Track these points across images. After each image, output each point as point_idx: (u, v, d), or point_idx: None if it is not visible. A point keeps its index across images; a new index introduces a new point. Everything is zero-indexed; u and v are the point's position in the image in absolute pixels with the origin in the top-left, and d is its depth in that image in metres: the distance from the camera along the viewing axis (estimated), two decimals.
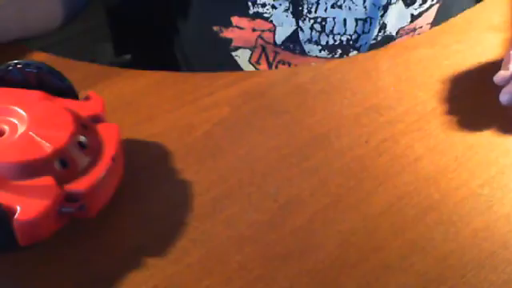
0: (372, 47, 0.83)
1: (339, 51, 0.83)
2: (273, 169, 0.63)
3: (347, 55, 0.84)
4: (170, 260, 0.55)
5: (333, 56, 0.84)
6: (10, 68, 0.60)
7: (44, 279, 0.54)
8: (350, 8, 0.80)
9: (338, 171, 0.63)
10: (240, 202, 0.60)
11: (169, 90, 0.71)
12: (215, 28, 0.84)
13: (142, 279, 0.54)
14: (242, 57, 0.86)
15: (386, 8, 0.81)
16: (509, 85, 0.65)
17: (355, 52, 0.83)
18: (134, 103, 0.69)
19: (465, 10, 0.82)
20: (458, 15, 0.81)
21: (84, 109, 0.59)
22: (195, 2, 0.86)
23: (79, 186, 0.54)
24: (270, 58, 0.85)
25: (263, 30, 0.82)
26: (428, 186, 0.61)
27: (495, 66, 0.69)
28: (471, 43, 0.77)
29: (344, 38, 0.82)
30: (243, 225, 0.58)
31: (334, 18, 0.81)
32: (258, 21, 0.81)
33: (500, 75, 0.66)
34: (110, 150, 0.57)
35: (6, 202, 0.51)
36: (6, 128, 0.56)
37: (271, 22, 0.81)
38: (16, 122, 0.56)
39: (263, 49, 0.84)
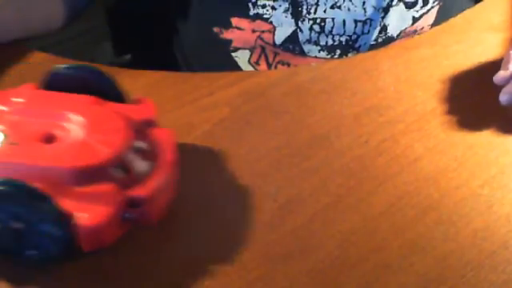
0: (372, 48, 0.83)
1: (338, 51, 0.83)
2: (273, 169, 0.63)
3: (346, 56, 0.84)
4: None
5: (332, 56, 0.84)
6: (58, 72, 0.59)
7: None
8: (349, 9, 0.80)
9: (338, 171, 0.63)
10: (240, 202, 0.60)
11: (169, 90, 0.71)
12: (215, 29, 0.84)
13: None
14: (241, 57, 0.86)
15: (386, 10, 0.81)
16: (509, 85, 0.65)
17: (354, 52, 0.83)
18: None
19: (465, 10, 0.82)
20: (458, 15, 0.81)
21: (136, 113, 0.58)
22: (195, 2, 0.86)
23: (141, 191, 0.53)
24: (270, 59, 0.85)
25: (263, 31, 0.82)
26: (428, 186, 0.61)
27: (495, 65, 0.69)
28: (471, 43, 0.77)
29: (343, 39, 0.82)
30: (243, 225, 0.58)
31: (333, 19, 0.81)
32: (258, 22, 0.81)
33: (500, 75, 0.66)
34: (166, 154, 0.56)
35: (70, 209, 0.50)
36: (60, 133, 0.55)
37: (271, 22, 0.81)
38: (69, 127, 0.55)
39: (263, 49, 0.84)
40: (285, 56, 0.84)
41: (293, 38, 0.82)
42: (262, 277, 0.54)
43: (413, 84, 0.72)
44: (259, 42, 0.83)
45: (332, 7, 0.80)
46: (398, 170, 0.63)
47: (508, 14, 0.80)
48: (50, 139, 0.55)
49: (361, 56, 0.81)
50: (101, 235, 0.52)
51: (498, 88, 0.66)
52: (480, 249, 0.57)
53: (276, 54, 0.84)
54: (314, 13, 0.80)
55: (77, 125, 0.55)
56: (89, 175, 0.52)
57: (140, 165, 0.55)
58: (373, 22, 0.82)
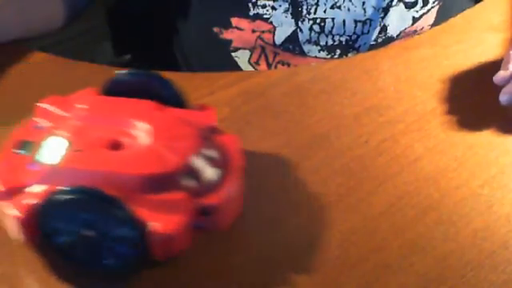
0: (372, 48, 0.83)
1: (338, 51, 0.84)
2: (273, 169, 0.63)
3: (346, 56, 0.84)
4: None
5: (332, 56, 0.84)
6: (118, 77, 0.58)
7: None
8: (349, 9, 0.80)
9: (338, 171, 0.63)
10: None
11: None
12: (215, 29, 0.84)
13: None
14: (241, 57, 0.86)
15: (386, 10, 0.81)
16: (509, 85, 0.65)
17: (354, 52, 0.84)
18: None
19: (465, 10, 0.82)
20: (458, 15, 0.81)
21: (199, 119, 0.57)
22: (195, 2, 0.86)
23: (213, 199, 0.52)
24: (270, 59, 0.85)
25: (263, 31, 0.82)
26: (428, 186, 0.61)
27: (495, 65, 0.69)
28: (471, 43, 0.77)
29: (343, 39, 0.82)
30: (243, 225, 0.58)
31: (333, 19, 0.81)
32: (258, 22, 0.81)
33: (500, 75, 0.66)
34: (235, 161, 0.55)
35: (143, 216, 0.49)
36: (127, 140, 0.53)
37: (271, 22, 0.81)
38: (136, 134, 0.54)
39: (263, 49, 0.84)
40: (285, 56, 0.84)
41: (293, 38, 0.83)
42: (262, 277, 0.54)
43: (413, 84, 0.72)
44: (259, 42, 0.83)
45: (332, 7, 0.80)
46: (397, 170, 0.63)
47: (508, 14, 0.80)
48: (116, 146, 0.53)
49: (361, 56, 0.81)
50: (173, 244, 0.51)
51: (498, 88, 0.66)
52: (480, 249, 0.57)
53: (276, 54, 0.84)
54: (314, 13, 0.80)
55: (143, 131, 0.54)
56: (158, 183, 0.51)
57: (209, 172, 0.53)
58: (373, 22, 0.82)
